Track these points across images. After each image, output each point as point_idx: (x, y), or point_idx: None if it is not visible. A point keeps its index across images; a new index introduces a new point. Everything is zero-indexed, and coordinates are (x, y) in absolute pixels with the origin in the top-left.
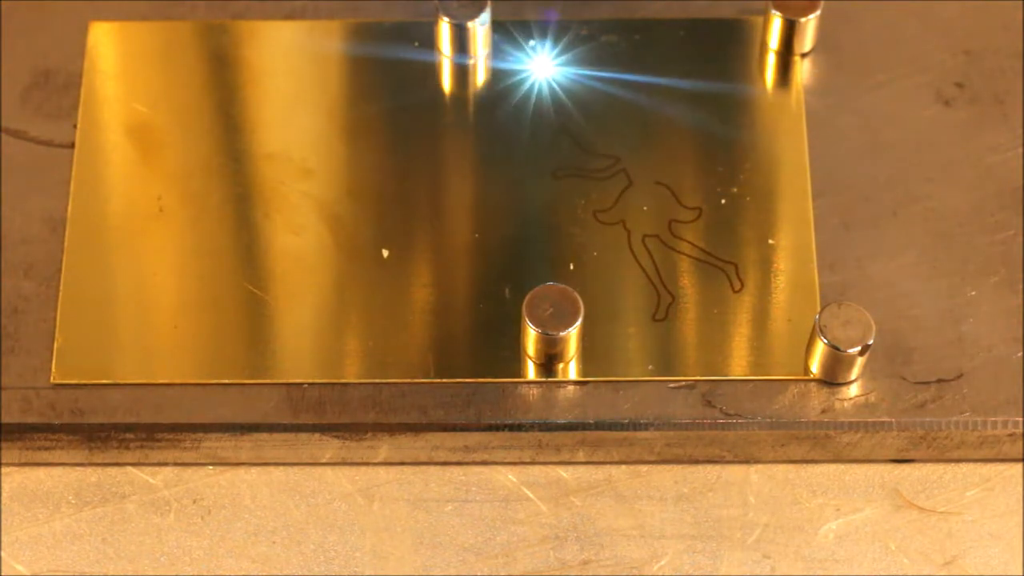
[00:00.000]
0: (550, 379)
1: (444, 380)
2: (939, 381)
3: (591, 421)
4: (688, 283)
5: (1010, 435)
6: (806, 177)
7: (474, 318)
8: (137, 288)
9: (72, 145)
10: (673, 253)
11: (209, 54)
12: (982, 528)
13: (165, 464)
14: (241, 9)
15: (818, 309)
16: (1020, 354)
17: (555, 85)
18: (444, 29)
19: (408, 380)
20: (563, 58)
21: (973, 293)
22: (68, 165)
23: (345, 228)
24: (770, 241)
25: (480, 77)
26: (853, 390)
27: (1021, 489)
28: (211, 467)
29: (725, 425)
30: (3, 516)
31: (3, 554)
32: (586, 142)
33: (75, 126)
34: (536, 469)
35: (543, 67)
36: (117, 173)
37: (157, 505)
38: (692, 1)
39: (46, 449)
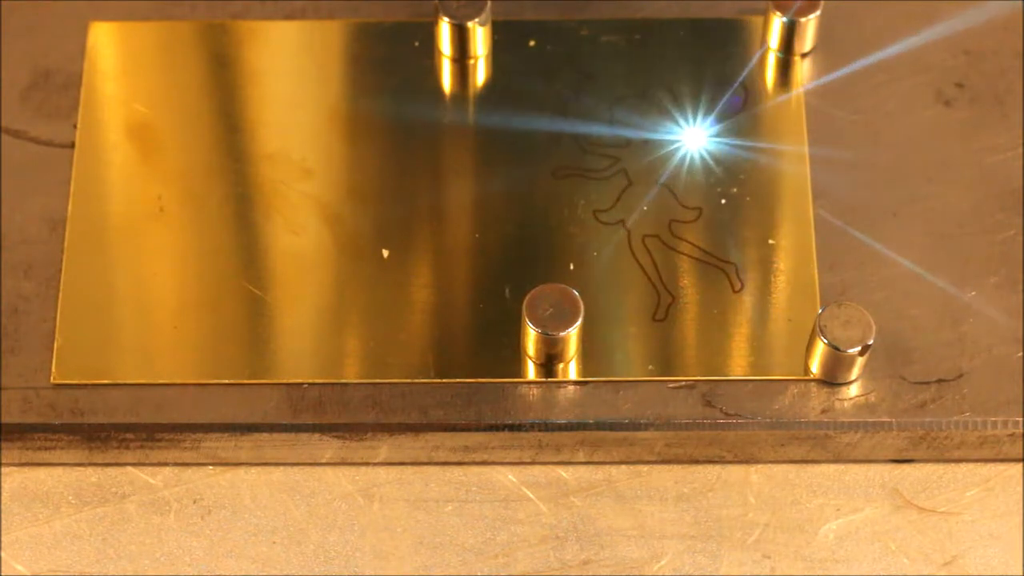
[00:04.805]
0: (550, 379)
1: (444, 380)
2: (939, 381)
3: (591, 421)
4: (688, 283)
5: (1010, 435)
6: (806, 177)
7: (474, 318)
8: (137, 288)
9: (72, 145)
10: (673, 253)
11: (209, 54)
12: (982, 528)
13: (165, 464)
14: (241, 9)
15: (818, 309)
16: (1020, 354)
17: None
18: (444, 29)
19: (408, 380)
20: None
21: (973, 293)
22: (68, 165)
23: (345, 228)
24: (770, 241)
25: (480, 77)
26: (853, 390)
27: (1021, 489)
28: (211, 467)
29: (725, 425)
30: (3, 516)
31: (3, 554)
32: (587, 140)
33: (75, 126)
34: (536, 469)
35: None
36: (117, 173)
37: (157, 505)
38: (692, 1)
39: (46, 449)
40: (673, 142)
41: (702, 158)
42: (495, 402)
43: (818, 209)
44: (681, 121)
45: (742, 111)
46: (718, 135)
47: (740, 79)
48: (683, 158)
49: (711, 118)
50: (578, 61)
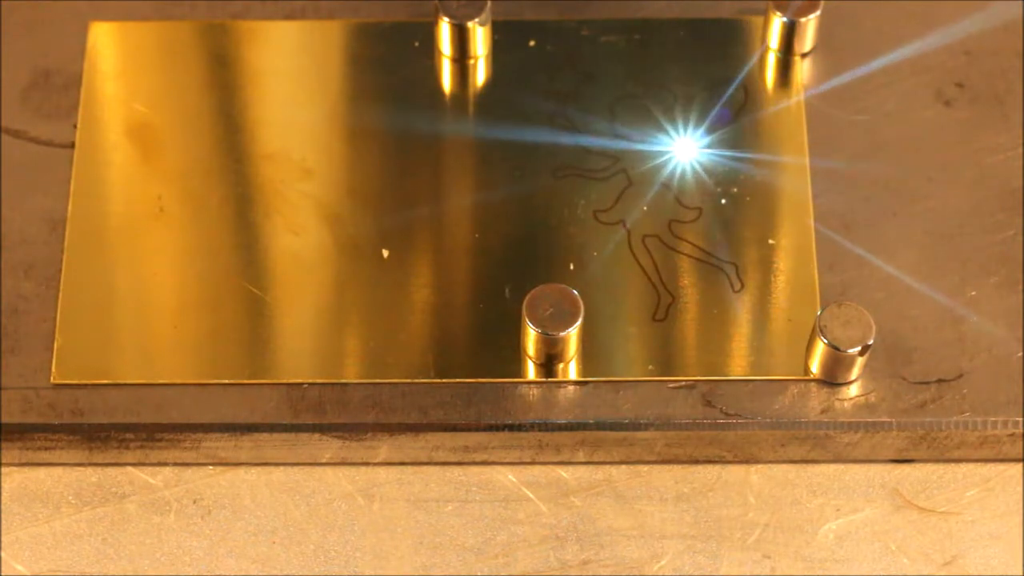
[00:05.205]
0: (550, 379)
1: (444, 380)
2: (939, 381)
3: (591, 421)
4: (688, 283)
5: (1010, 435)
6: (806, 177)
7: (474, 318)
8: (137, 288)
9: (72, 145)
10: (673, 253)
11: (209, 54)
12: (982, 528)
13: (165, 464)
14: (241, 9)
15: (818, 309)
16: (1020, 354)
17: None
18: (444, 29)
19: (408, 380)
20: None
21: (973, 293)
22: (68, 165)
23: (345, 228)
24: (770, 241)
25: (480, 77)
26: (853, 390)
27: (1021, 489)
28: (211, 467)
29: (725, 425)
30: (3, 516)
31: (3, 554)
32: (589, 136)
33: (75, 126)
34: (536, 469)
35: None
36: (117, 173)
37: (157, 505)
38: (692, 1)
39: (46, 449)
40: (672, 140)
41: (702, 158)
42: (495, 402)
43: (818, 209)
44: (681, 124)
45: (732, 122)
46: (717, 136)
47: (737, 81)
48: (683, 159)
49: (708, 121)
50: (578, 61)
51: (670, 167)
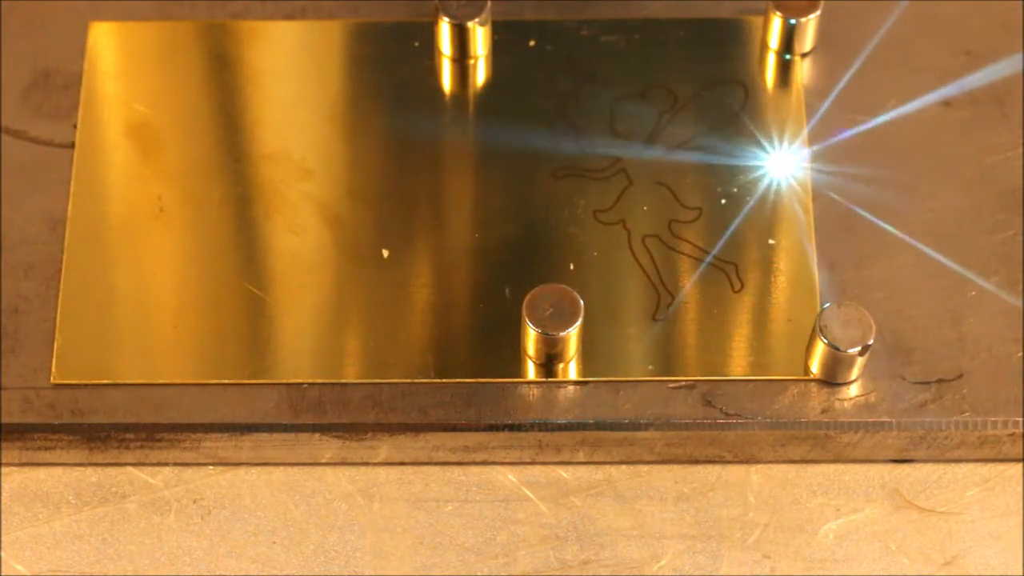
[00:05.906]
0: (550, 379)
1: (444, 380)
2: (939, 381)
3: (591, 421)
4: (688, 283)
5: (1010, 435)
6: (806, 177)
7: (474, 318)
8: (137, 288)
9: (72, 145)
10: (673, 253)
11: (209, 54)
12: (982, 528)
13: (165, 464)
14: (241, 9)
15: (818, 309)
16: (1020, 354)
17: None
18: (444, 29)
19: (408, 380)
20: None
21: (973, 293)
22: (68, 165)
23: (345, 228)
24: (770, 241)
25: (480, 77)
26: (853, 390)
27: (1021, 489)
28: (211, 467)
29: (725, 425)
30: (3, 516)
31: (3, 554)
32: (586, 141)
33: (75, 126)
34: (536, 469)
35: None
36: (117, 173)
37: (157, 505)
38: (692, 1)
39: (46, 449)
40: (673, 140)
41: (702, 158)
42: (495, 402)
43: (818, 209)
44: (681, 120)
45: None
46: (717, 136)
47: (740, 79)
48: (682, 158)
49: (710, 117)
50: (578, 61)
51: (670, 167)
